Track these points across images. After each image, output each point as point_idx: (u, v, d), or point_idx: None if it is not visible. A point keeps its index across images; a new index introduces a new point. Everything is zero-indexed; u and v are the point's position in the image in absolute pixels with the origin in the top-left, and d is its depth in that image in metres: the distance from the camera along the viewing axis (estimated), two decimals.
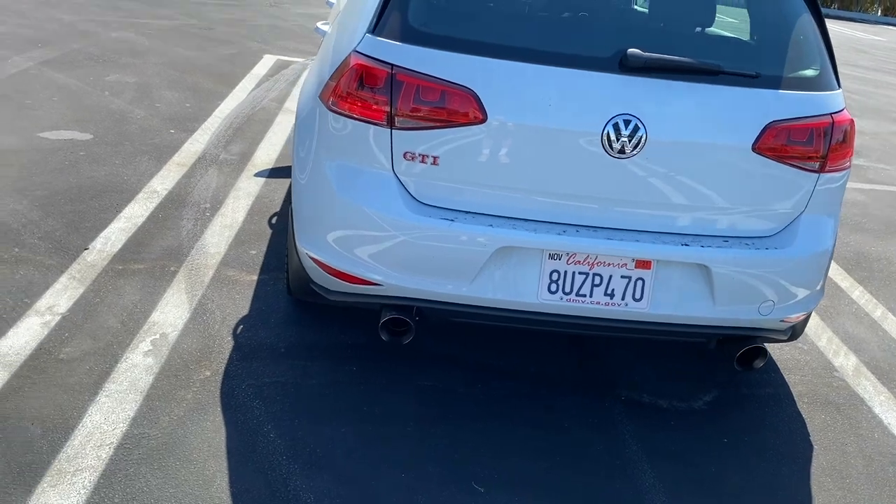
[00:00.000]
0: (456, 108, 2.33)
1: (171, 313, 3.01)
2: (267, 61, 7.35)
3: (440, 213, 2.41)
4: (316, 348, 2.92)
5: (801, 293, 2.60)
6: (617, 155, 2.35)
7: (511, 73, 2.34)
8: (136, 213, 3.83)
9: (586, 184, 2.40)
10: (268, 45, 8.16)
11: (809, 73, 2.53)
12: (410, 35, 2.38)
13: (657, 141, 2.35)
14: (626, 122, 2.33)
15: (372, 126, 2.39)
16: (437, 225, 2.38)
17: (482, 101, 2.32)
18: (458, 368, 2.90)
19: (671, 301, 2.49)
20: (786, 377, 3.13)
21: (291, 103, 6.04)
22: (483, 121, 2.33)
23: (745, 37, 2.74)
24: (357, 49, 2.44)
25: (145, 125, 5.16)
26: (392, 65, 2.35)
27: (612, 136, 2.33)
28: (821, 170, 2.50)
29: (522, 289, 2.45)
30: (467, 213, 2.42)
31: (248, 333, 2.95)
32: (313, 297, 2.81)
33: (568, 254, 2.42)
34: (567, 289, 2.45)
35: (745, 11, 2.82)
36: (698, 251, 2.43)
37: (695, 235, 2.47)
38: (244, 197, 4.18)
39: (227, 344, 2.87)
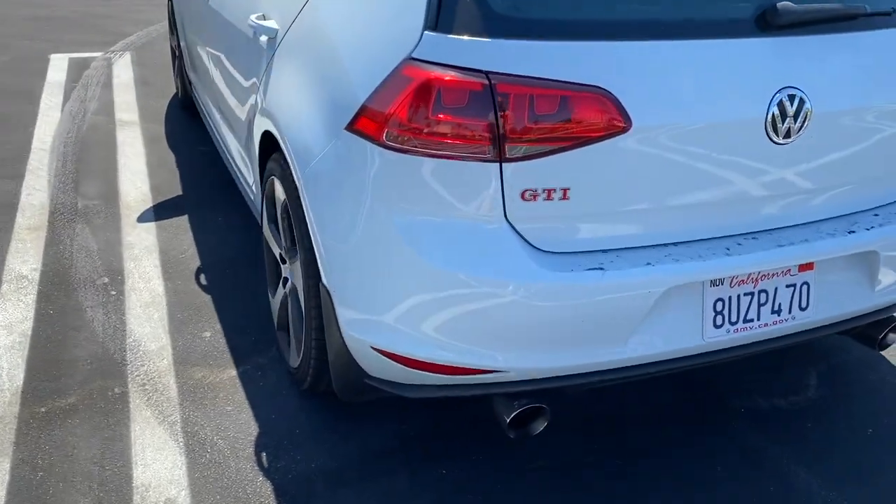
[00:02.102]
0: (587, 118, 1.67)
1: (160, 463, 2.11)
2: (58, 63, 5.94)
3: (581, 262, 1.76)
4: (381, 458, 2.17)
5: None
6: (782, 140, 1.83)
7: (651, 58, 1.71)
8: (14, 317, 2.75)
9: (746, 182, 1.85)
10: (45, 40, 6.64)
11: None
12: (497, 24, 1.67)
13: (824, 113, 1.85)
14: (791, 98, 1.80)
15: (467, 161, 1.67)
16: (584, 279, 1.73)
17: (621, 101, 1.68)
18: (569, 445, 2.29)
19: (834, 300, 2.04)
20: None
21: (124, 113, 4.86)
22: (625, 129, 1.69)
23: None
24: (414, 55, 1.68)
25: None
26: (487, 72, 1.64)
27: (778, 117, 1.80)
28: None
29: (684, 332, 1.88)
30: (611, 251, 1.80)
31: (279, 463, 2.14)
32: (365, 394, 2.09)
33: (732, 276, 1.88)
34: (734, 318, 1.92)
35: None
36: (865, 236, 2.00)
37: (859, 213, 2.04)
38: (145, 256, 3.19)
39: (265, 488, 2.05)
